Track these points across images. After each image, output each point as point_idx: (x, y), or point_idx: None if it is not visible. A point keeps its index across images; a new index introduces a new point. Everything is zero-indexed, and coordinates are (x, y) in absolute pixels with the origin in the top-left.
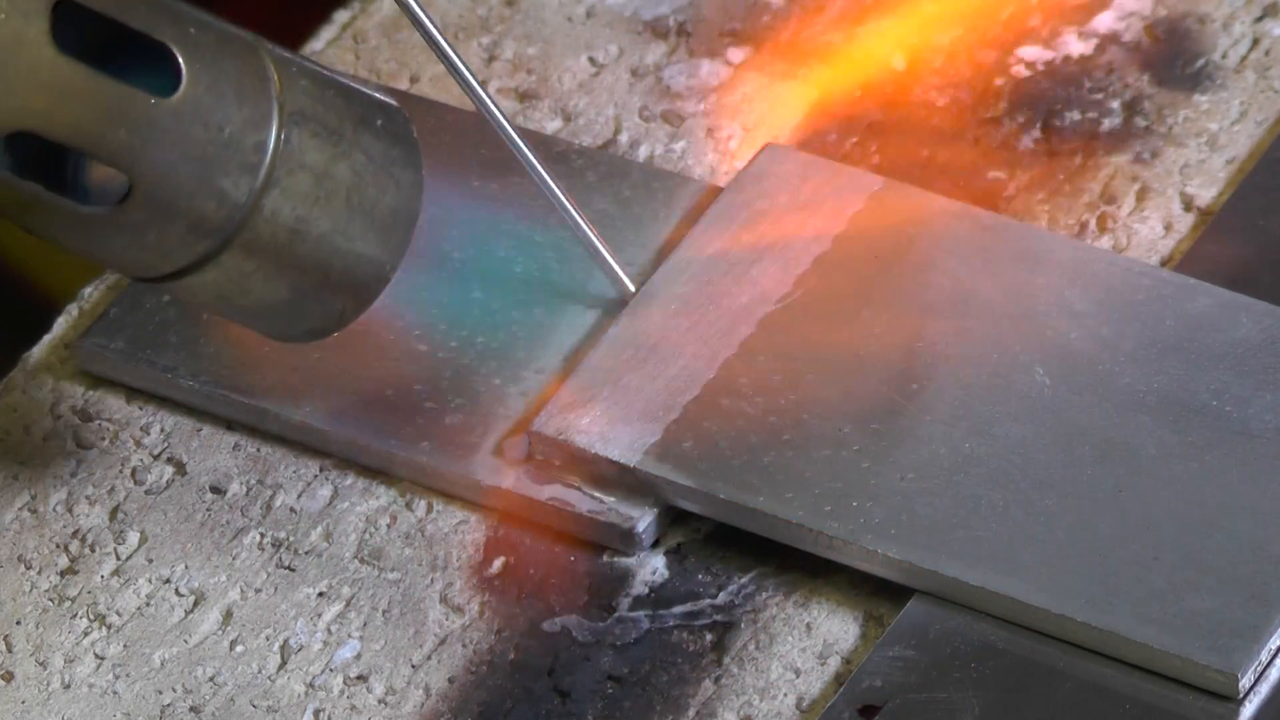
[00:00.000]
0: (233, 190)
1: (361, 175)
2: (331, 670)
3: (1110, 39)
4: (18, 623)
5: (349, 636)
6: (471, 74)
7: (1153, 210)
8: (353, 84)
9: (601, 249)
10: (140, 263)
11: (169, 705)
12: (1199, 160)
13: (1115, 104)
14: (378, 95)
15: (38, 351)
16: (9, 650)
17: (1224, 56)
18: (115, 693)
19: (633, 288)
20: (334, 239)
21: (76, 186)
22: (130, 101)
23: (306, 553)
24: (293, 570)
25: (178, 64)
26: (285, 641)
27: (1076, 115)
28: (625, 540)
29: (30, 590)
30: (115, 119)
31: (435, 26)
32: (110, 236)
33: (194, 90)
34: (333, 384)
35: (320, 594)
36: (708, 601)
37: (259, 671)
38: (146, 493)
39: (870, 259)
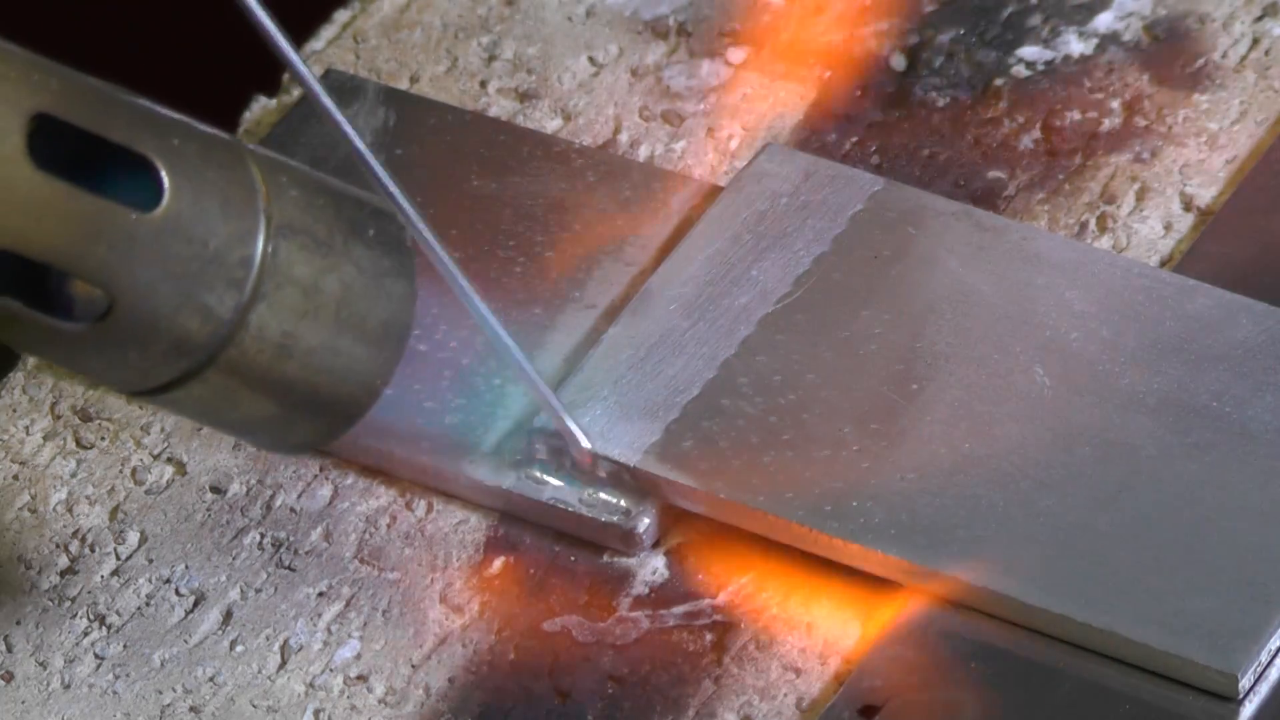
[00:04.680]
0: (217, 306)
1: (352, 288)
2: (331, 670)
3: (1110, 39)
4: (18, 623)
5: (349, 636)
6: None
7: (1153, 210)
8: (344, 189)
9: (559, 410)
10: (122, 379)
11: (169, 705)
12: (1199, 160)
13: (1115, 104)
14: (370, 200)
15: None
16: (9, 650)
17: (1224, 56)
18: (115, 693)
19: (587, 444)
20: (323, 355)
21: (60, 297)
22: (110, 218)
23: (306, 553)
24: (293, 570)
25: (160, 172)
26: (285, 641)
27: (1076, 115)
28: (625, 540)
29: (30, 590)
30: (94, 236)
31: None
32: (91, 353)
33: (177, 204)
34: None
35: (320, 594)
36: (708, 601)
37: (259, 671)
38: (146, 493)
39: (870, 259)
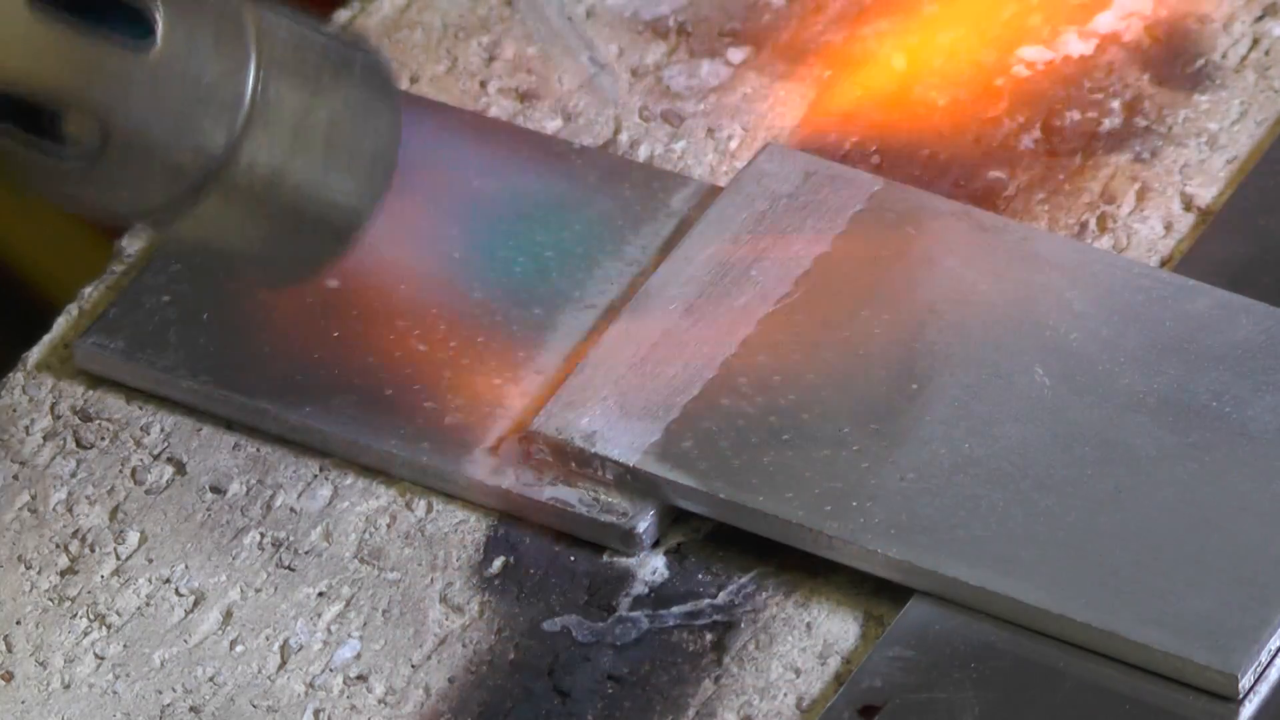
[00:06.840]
0: (209, 140)
1: (339, 123)
2: (331, 670)
3: (1110, 39)
4: (18, 623)
5: (349, 636)
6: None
7: (1153, 210)
8: (331, 30)
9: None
10: (115, 211)
11: (169, 705)
12: (1199, 160)
13: (1115, 104)
14: (357, 41)
15: (38, 351)
16: (9, 650)
17: (1224, 56)
18: (115, 693)
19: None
20: (311, 186)
21: (53, 131)
22: (106, 56)
23: (306, 553)
24: (293, 570)
25: (154, 13)
26: (285, 641)
27: (1076, 115)
28: (625, 540)
29: (30, 590)
30: (90, 75)
31: None
32: (85, 186)
33: (170, 42)
34: (333, 384)
35: (320, 594)
36: (708, 601)
37: (259, 671)
38: (146, 493)
39: (870, 259)
